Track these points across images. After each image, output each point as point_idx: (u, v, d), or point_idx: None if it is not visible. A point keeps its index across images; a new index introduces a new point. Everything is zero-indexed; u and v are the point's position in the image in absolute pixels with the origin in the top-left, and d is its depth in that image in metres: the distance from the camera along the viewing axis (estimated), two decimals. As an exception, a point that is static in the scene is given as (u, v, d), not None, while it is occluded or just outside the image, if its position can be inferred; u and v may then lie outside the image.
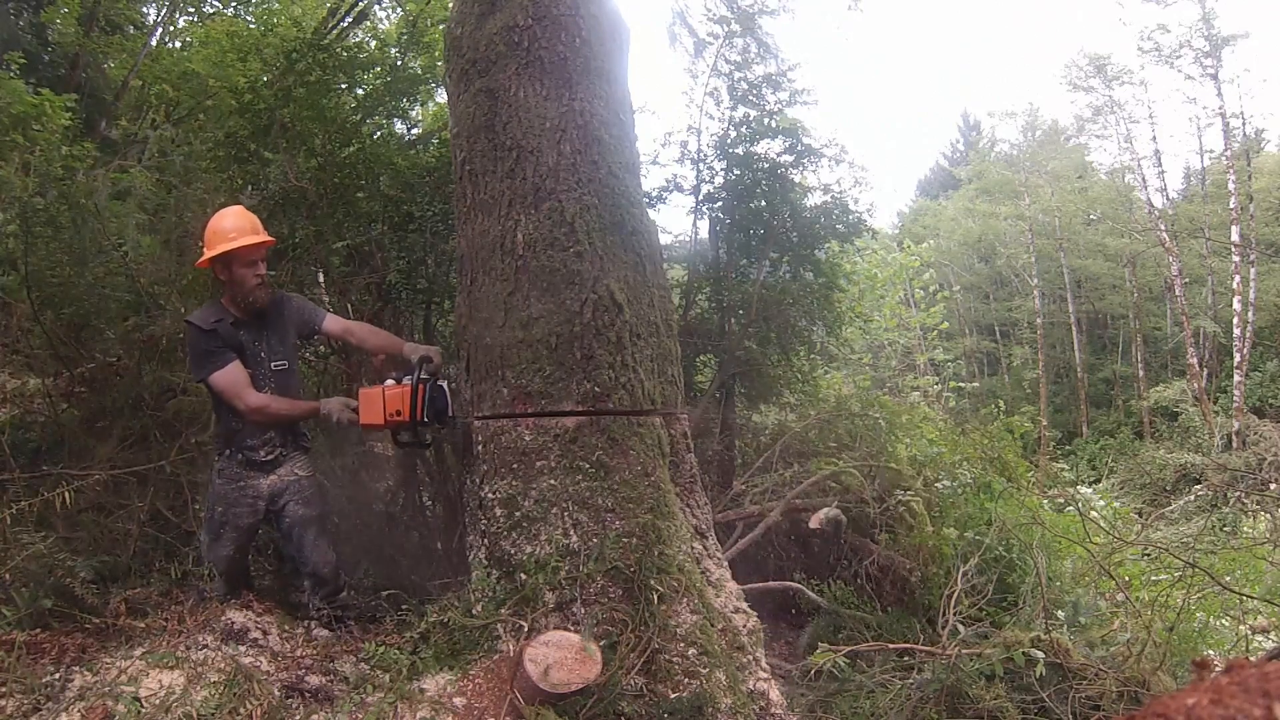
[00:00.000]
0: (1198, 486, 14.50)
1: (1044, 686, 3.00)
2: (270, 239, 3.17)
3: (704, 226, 6.65)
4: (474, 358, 3.13)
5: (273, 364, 3.15)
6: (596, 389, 2.90)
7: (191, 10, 10.32)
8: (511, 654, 2.52)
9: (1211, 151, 21.75)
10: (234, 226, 3.06)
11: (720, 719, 2.52)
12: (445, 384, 3.04)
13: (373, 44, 8.42)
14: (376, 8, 8.96)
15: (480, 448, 3.08)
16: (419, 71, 7.45)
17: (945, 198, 33.00)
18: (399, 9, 8.72)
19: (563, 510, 2.85)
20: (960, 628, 3.39)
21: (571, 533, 2.83)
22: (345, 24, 8.63)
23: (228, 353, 3.00)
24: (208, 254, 3.02)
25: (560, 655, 2.38)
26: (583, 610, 2.70)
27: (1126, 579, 4.47)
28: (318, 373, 5.11)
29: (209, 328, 2.99)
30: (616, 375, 2.93)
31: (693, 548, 3.02)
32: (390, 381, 2.97)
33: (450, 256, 4.72)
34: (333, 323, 3.36)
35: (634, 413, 2.99)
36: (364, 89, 6.00)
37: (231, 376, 2.98)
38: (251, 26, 8.09)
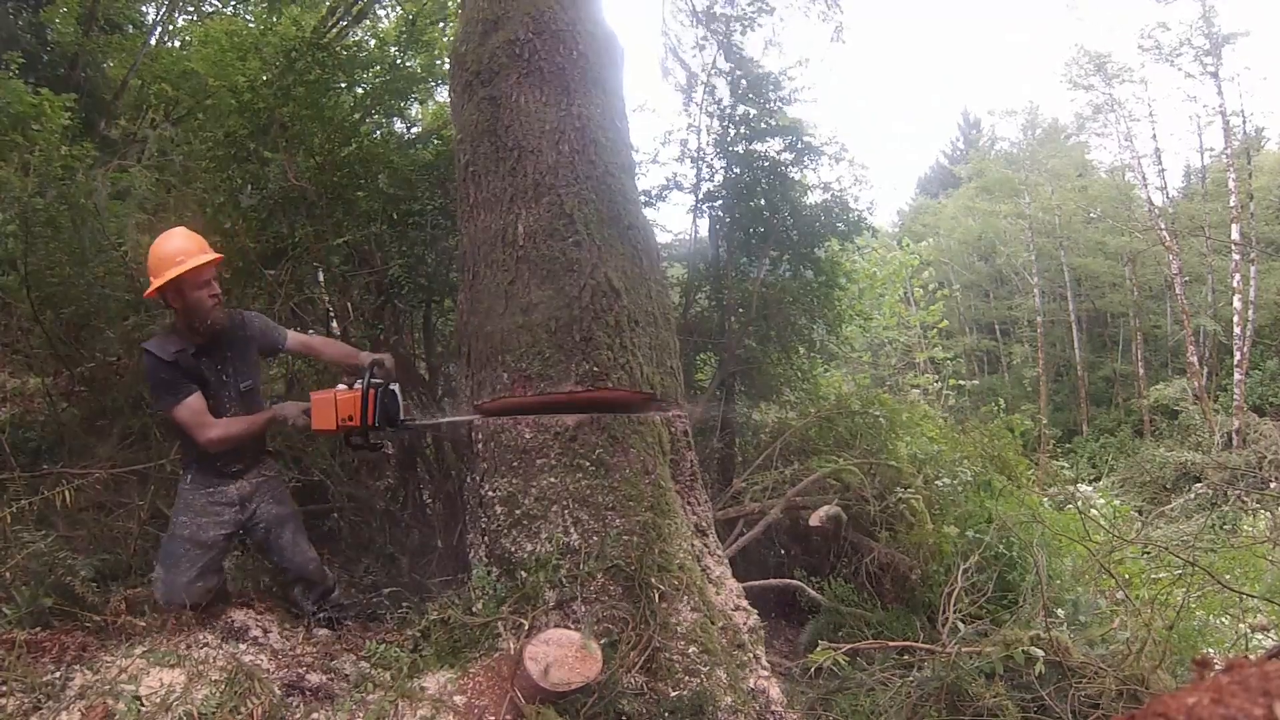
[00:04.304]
0: (1198, 485, 14.49)
1: (1044, 685, 3.00)
2: (218, 255, 2.97)
3: (704, 225, 6.66)
4: (474, 348, 3.18)
5: (240, 385, 3.02)
6: (595, 369, 2.94)
7: (191, 9, 10.31)
8: (512, 652, 2.52)
9: (1212, 149, 21.72)
10: (179, 249, 2.85)
11: (721, 717, 2.52)
12: (396, 388, 3.02)
13: (372, 43, 8.41)
14: (377, 6, 8.96)
15: (480, 445, 3.09)
16: (418, 70, 7.44)
17: (945, 196, 32.97)
18: (398, 7, 8.71)
19: (563, 508, 2.86)
20: (960, 626, 3.39)
21: (572, 530, 2.83)
22: (344, 23, 8.62)
23: (189, 384, 2.86)
24: (155, 283, 2.81)
25: (561, 653, 2.38)
26: (583, 608, 2.70)
27: (1126, 577, 4.47)
28: (316, 370, 5.11)
29: (170, 359, 2.83)
30: (615, 356, 2.98)
31: (693, 545, 3.02)
32: (342, 386, 2.93)
33: (450, 254, 4.72)
34: (293, 340, 3.25)
35: (634, 394, 3.02)
36: (364, 88, 5.99)
37: (191, 409, 2.84)
38: (251, 26, 8.09)
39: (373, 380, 2.91)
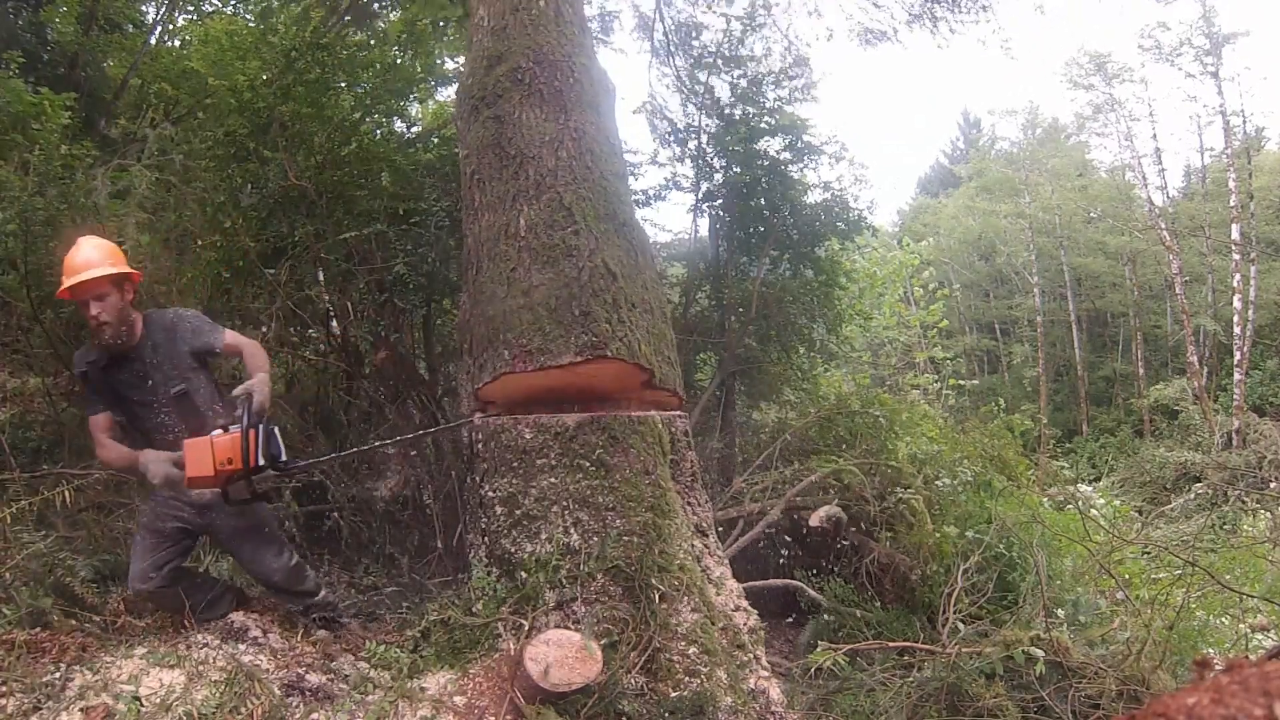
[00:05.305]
0: (1198, 485, 14.47)
1: (1044, 685, 3.00)
2: (104, 273, 2.72)
3: (704, 224, 6.67)
4: (475, 334, 3.26)
5: (171, 390, 2.84)
6: (594, 339, 3.01)
7: (190, 9, 10.29)
8: (512, 653, 2.52)
9: (1212, 149, 21.68)
10: (71, 264, 2.72)
11: (721, 717, 2.52)
12: (275, 428, 2.78)
13: (372, 43, 8.40)
14: (376, 6, 8.94)
15: (480, 446, 3.09)
16: (417, 70, 7.44)
17: (945, 195, 32.92)
18: (397, 8, 8.70)
19: (563, 508, 2.86)
20: (960, 626, 3.39)
21: (572, 531, 2.84)
22: (346, 20, 8.60)
23: (95, 400, 2.84)
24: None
25: (561, 654, 2.38)
26: (583, 609, 2.70)
27: (1126, 577, 4.47)
28: (317, 371, 5.11)
29: (81, 370, 2.81)
30: (613, 329, 3.06)
31: (693, 545, 3.03)
32: (217, 431, 2.68)
33: (450, 253, 4.72)
34: (230, 339, 3.00)
35: (633, 366, 3.07)
36: (363, 87, 5.99)
37: (94, 425, 2.84)
38: (251, 25, 8.08)
39: (251, 420, 2.66)
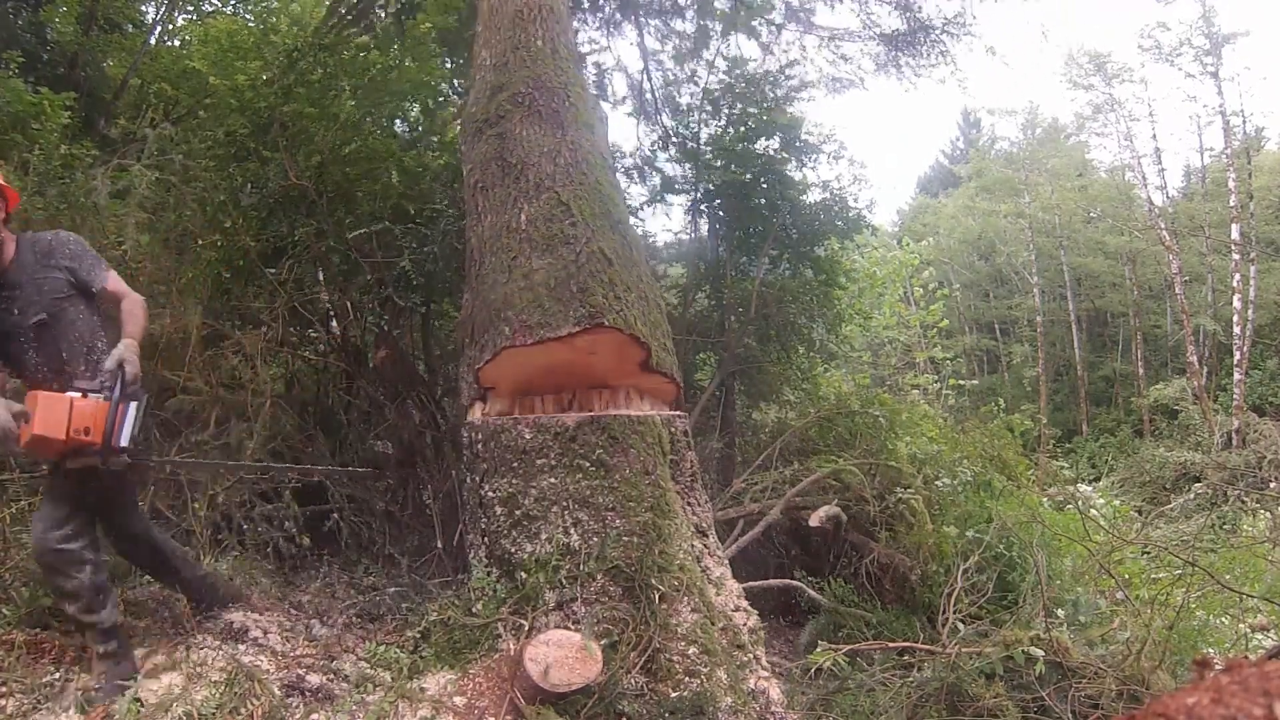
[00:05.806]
0: (1198, 484, 14.46)
1: (1044, 685, 3.00)
2: None
3: (703, 224, 6.67)
4: (477, 320, 3.36)
5: (32, 319, 2.51)
6: (592, 310, 3.10)
7: (190, 8, 10.29)
8: (512, 653, 2.52)
9: (1211, 149, 21.66)
10: None
11: (721, 717, 2.52)
12: (145, 404, 2.46)
13: (373, 44, 8.39)
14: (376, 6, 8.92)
15: (480, 446, 3.10)
16: (419, 73, 7.43)
17: (945, 195, 32.89)
18: (396, 5, 8.68)
19: (563, 509, 2.86)
20: (960, 626, 3.39)
21: (572, 531, 2.84)
22: (348, 19, 8.58)
23: None
24: None
25: (561, 654, 2.38)
26: (583, 609, 2.70)
27: (1126, 577, 4.47)
28: (317, 370, 5.11)
29: None
30: (609, 303, 3.17)
31: (693, 546, 3.03)
32: (75, 394, 2.34)
33: (451, 253, 4.72)
34: (113, 285, 2.67)
35: (630, 336, 3.14)
36: (363, 88, 5.98)
37: None
38: (251, 25, 8.07)
39: (125, 390, 2.33)
